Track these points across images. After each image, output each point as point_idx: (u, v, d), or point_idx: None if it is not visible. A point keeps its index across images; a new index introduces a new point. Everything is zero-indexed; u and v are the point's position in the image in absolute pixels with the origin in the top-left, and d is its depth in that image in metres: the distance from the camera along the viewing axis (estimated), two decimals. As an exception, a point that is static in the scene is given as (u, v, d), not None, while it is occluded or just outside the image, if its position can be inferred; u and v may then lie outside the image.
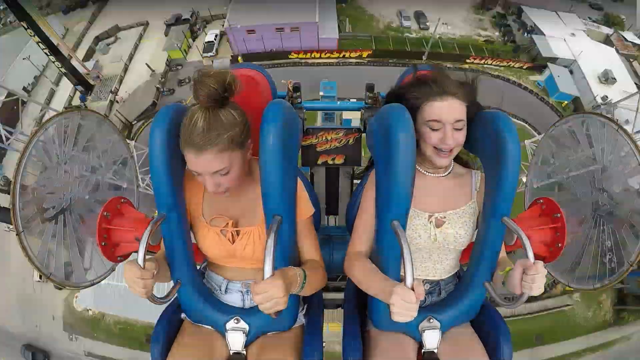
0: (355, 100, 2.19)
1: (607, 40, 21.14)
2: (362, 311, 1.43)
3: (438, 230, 1.25)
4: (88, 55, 19.57)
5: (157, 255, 1.27)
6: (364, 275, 1.16)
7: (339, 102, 2.23)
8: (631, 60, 20.21)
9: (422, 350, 1.28)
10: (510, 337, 1.24)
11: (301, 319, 1.39)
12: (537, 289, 1.03)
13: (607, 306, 13.92)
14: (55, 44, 15.80)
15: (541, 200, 1.55)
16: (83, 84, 17.38)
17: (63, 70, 16.57)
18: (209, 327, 1.29)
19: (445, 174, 1.31)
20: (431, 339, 1.26)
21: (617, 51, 19.88)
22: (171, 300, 1.29)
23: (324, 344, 1.33)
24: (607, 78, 17.25)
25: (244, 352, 1.27)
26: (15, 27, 19.94)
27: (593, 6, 23.37)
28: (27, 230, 1.35)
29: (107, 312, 13.61)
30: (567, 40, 19.14)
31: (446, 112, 1.17)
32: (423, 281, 1.30)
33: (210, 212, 1.25)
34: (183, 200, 1.21)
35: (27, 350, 13.30)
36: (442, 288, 1.34)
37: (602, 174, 1.54)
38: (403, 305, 0.93)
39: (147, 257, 1.05)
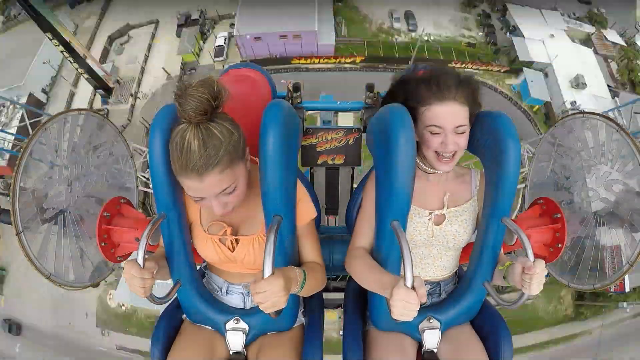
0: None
1: (588, 40, 20.94)
2: (362, 311, 1.43)
3: (438, 227, 1.25)
4: (103, 56, 19.29)
5: (156, 253, 1.27)
6: (364, 271, 1.16)
7: (339, 102, 2.22)
8: (609, 60, 20.05)
9: (422, 350, 1.28)
10: (511, 338, 1.24)
11: (301, 319, 1.39)
12: (537, 288, 1.03)
13: (568, 301, 14.38)
14: (70, 43, 14.87)
15: (541, 200, 1.55)
16: (103, 87, 17.06)
17: (83, 73, 16.09)
18: (209, 328, 1.29)
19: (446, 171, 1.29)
20: (431, 338, 1.26)
21: (596, 52, 19.80)
22: (171, 301, 1.29)
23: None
24: (578, 83, 17.63)
25: (244, 352, 1.27)
26: (21, 21, 19.52)
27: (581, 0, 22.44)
28: (27, 231, 1.35)
29: (141, 306, 13.88)
30: (546, 42, 19.04)
31: (446, 118, 1.13)
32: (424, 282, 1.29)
33: (209, 219, 1.22)
34: (183, 200, 1.21)
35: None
36: (442, 289, 1.34)
37: (602, 174, 1.53)
38: (404, 305, 0.93)
39: (146, 256, 1.05)
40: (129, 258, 1.02)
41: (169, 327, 1.30)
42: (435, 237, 1.26)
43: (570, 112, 1.62)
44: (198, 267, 1.34)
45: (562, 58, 18.17)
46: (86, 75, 16.21)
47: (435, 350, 1.26)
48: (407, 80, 1.24)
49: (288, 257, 1.19)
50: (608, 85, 18.11)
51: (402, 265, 0.96)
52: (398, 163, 1.05)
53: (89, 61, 15.97)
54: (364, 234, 1.25)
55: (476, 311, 1.32)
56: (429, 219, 1.25)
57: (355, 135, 2.06)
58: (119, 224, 1.47)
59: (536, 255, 1.05)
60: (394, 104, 1.17)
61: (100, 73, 16.98)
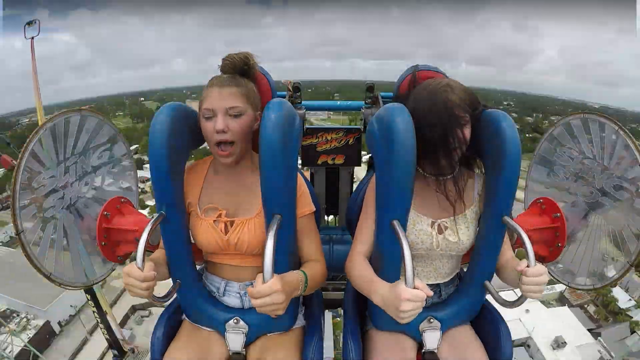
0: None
1: (562, 297, 24.75)
2: (362, 311, 1.43)
3: (441, 236, 1.23)
4: (123, 322, 19.85)
5: (154, 255, 1.27)
6: (360, 281, 1.16)
7: (339, 102, 2.23)
8: (586, 306, 23.69)
9: (422, 351, 1.28)
10: (511, 338, 1.24)
11: (301, 319, 1.39)
12: (537, 292, 1.02)
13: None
14: (96, 294, 13.27)
15: (541, 200, 1.55)
16: (117, 348, 16.37)
17: (102, 328, 14.78)
18: (208, 328, 1.29)
19: (449, 177, 1.27)
20: (431, 339, 1.26)
21: (571, 305, 23.01)
22: (171, 301, 1.29)
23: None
24: (558, 344, 20.24)
25: (244, 352, 1.27)
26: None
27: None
28: (27, 230, 1.35)
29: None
30: (522, 318, 21.54)
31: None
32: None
33: (206, 203, 1.25)
34: (183, 200, 1.21)
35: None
36: (443, 290, 1.34)
37: (602, 174, 1.53)
38: (411, 304, 0.92)
39: (146, 255, 1.04)
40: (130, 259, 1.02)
41: (168, 327, 1.30)
42: (438, 246, 1.24)
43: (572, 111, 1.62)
44: (198, 268, 1.34)
45: (540, 327, 20.68)
46: (104, 331, 15.18)
47: (435, 351, 1.26)
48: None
49: (288, 256, 1.19)
50: (589, 329, 20.93)
51: (402, 265, 0.96)
52: (398, 163, 1.05)
53: (109, 318, 15.07)
54: (365, 237, 1.24)
55: (476, 311, 1.32)
56: (431, 228, 1.23)
57: (355, 135, 2.07)
58: (119, 224, 1.47)
59: (536, 255, 1.05)
60: (393, 103, 1.17)
61: (119, 335, 16.48)
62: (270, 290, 0.93)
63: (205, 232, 1.22)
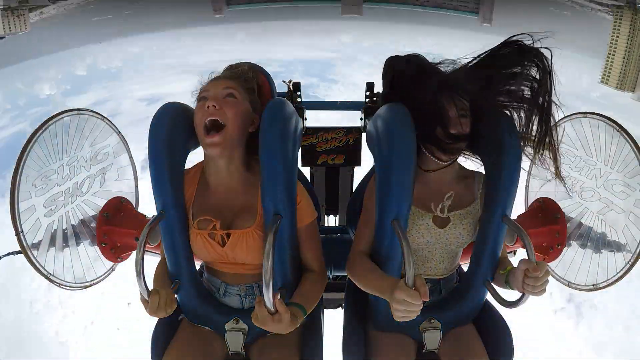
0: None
1: None
2: (362, 311, 1.43)
3: (442, 230, 1.24)
4: None
5: (156, 279, 1.26)
6: (364, 274, 1.16)
7: (339, 102, 2.23)
8: None
9: (423, 351, 1.27)
10: (512, 338, 1.24)
11: None
12: (540, 290, 1.02)
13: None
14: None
15: (542, 201, 1.55)
16: None
17: None
18: (208, 328, 1.29)
19: (447, 165, 1.25)
20: (432, 339, 1.26)
21: None
22: None
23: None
24: None
25: (243, 352, 1.27)
26: None
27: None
28: (27, 231, 1.36)
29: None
30: None
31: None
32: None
33: (200, 213, 1.20)
34: (182, 199, 1.19)
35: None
36: (443, 287, 1.34)
37: (602, 174, 1.54)
38: (406, 305, 0.93)
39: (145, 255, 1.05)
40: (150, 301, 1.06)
41: (168, 327, 1.30)
42: (439, 240, 1.24)
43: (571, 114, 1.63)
44: (197, 267, 1.34)
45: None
46: None
47: (436, 351, 1.26)
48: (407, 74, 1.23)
49: (288, 260, 1.18)
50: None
51: (403, 264, 0.95)
52: (398, 163, 1.05)
53: None
54: (366, 237, 1.24)
55: (477, 311, 1.32)
56: (432, 222, 1.23)
57: (355, 135, 2.07)
58: (119, 224, 1.47)
59: (537, 256, 1.05)
60: (393, 103, 1.17)
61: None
62: (274, 324, 0.97)
63: (202, 246, 1.19)
